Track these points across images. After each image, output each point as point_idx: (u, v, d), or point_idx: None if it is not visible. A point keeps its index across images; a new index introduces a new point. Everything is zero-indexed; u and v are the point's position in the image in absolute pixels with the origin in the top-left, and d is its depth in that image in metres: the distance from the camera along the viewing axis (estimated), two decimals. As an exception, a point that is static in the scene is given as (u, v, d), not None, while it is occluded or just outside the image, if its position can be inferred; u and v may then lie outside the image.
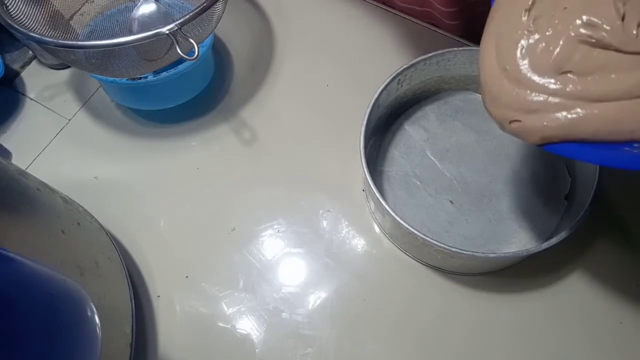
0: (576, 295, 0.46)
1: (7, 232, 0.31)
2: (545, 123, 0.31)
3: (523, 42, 0.32)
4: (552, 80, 0.31)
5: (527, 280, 0.47)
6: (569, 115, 0.30)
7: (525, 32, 0.32)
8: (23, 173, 0.39)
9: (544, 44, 0.32)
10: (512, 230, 0.48)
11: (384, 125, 0.53)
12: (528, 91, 0.32)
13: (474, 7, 0.54)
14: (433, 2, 0.55)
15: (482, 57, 0.35)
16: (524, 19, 0.32)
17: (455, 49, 0.48)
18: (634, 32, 0.29)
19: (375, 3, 0.61)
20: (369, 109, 0.46)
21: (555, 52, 0.31)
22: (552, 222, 0.48)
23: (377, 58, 0.58)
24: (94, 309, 0.26)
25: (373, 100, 0.47)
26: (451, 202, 0.50)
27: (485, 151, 0.51)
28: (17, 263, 0.24)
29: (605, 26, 0.30)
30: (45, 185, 0.42)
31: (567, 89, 0.31)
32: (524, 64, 0.32)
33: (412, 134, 0.53)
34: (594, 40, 0.30)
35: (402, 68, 0.48)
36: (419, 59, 0.48)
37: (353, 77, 0.58)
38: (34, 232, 0.34)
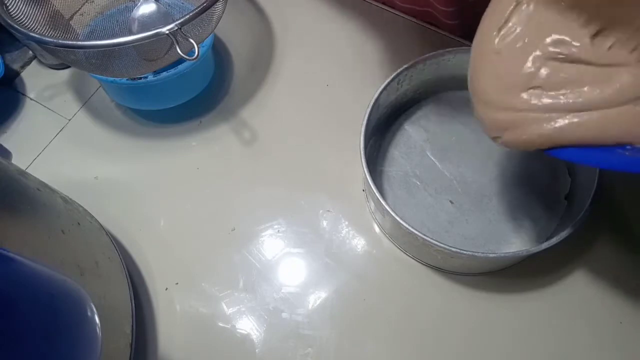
0: (576, 295, 0.46)
1: (7, 232, 0.31)
2: (524, 137, 0.33)
3: (490, 66, 0.34)
4: (525, 97, 0.33)
5: (527, 280, 0.47)
6: (548, 126, 0.32)
7: (493, 55, 0.34)
8: (23, 173, 0.39)
9: (510, 64, 0.33)
10: (512, 230, 0.48)
11: (384, 125, 0.53)
12: (497, 112, 0.34)
13: (474, 7, 0.54)
14: (433, 2, 0.55)
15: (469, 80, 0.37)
16: (496, 40, 0.34)
17: (455, 49, 0.48)
18: (605, 46, 0.30)
19: (375, 3, 0.61)
20: (369, 109, 0.46)
21: (522, 71, 0.33)
22: (552, 222, 0.48)
23: (377, 58, 0.58)
24: (94, 309, 0.26)
25: (373, 100, 0.47)
26: (451, 202, 0.50)
27: (485, 151, 0.51)
28: (17, 263, 0.24)
29: (575, 42, 0.31)
30: (45, 185, 0.42)
31: (539, 104, 0.32)
32: (492, 87, 0.34)
33: (412, 134, 0.53)
34: (563, 56, 0.31)
35: (402, 68, 0.48)
36: (419, 59, 0.48)
37: (353, 77, 0.57)
38: (34, 232, 0.34)
